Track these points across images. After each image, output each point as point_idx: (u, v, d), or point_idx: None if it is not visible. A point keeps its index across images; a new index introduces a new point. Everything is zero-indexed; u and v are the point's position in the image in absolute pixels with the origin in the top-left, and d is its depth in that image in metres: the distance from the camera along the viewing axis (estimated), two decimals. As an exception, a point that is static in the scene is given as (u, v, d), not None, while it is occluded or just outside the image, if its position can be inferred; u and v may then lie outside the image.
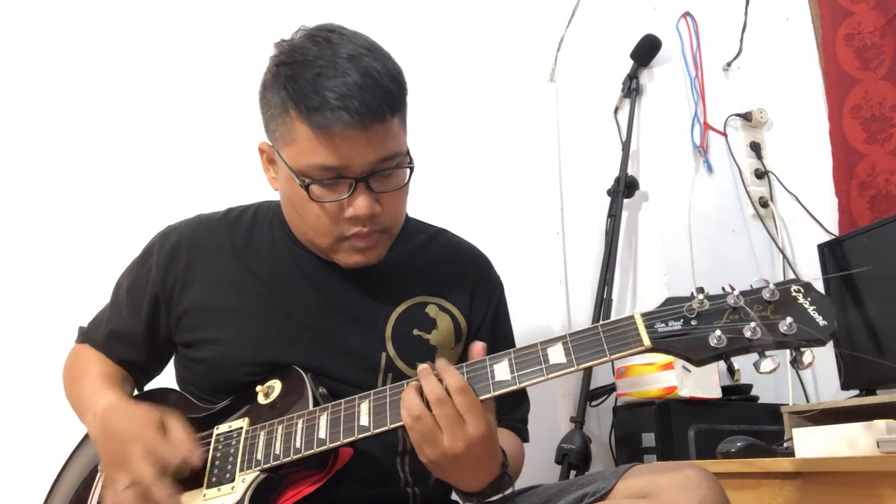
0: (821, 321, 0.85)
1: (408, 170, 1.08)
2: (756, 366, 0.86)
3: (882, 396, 1.41)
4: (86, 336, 1.26)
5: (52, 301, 1.59)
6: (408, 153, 1.09)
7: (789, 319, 0.85)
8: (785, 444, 1.41)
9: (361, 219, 1.05)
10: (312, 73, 1.00)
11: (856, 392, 1.56)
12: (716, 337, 0.86)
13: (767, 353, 0.86)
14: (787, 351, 0.87)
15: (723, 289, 0.90)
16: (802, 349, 0.85)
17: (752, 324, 0.85)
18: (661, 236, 2.01)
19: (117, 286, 1.25)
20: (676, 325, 0.88)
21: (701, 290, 0.89)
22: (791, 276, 2.05)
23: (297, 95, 1.00)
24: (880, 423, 1.16)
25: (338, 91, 0.98)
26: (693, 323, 0.88)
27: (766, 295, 0.88)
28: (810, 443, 1.24)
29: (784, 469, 1.21)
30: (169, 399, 1.18)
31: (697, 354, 0.87)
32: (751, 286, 0.90)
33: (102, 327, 1.24)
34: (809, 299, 0.87)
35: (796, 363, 0.86)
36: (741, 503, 1.26)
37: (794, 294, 0.88)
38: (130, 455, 0.97)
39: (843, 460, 1.17)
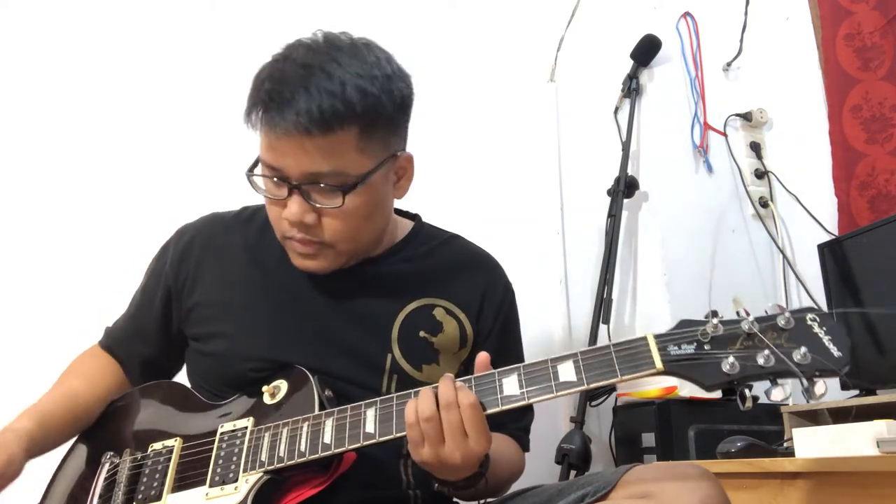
0: (835, 352, 0.84)
1: (347, 192, 1.03)
2: (767, 394, 0.85)
3: (882, 396, 1.41)
4: (109, 340, 1.29)
5: (60, 303, 1.59)
6: (361, 176, 1.04)
7: (804, 349, 0.84)
8: (785, 444, 1.41)
9: (293, 224, 1.06)
10: (279, 73, 1.02)
11: (856, 392, 1.56)
12: (729, 363, 0.85)
13: (779, 381, 0.85)
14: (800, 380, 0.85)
15: (737, 313, 0.88)
16: (815, 379, 0.84)
17: (766, 351, 0.84)
18: (660, 236, 2.01)
19: (139, 285, 1.29)
20: (689, 349, 0.87)
21: (715, 313, 0.88)
22: (791, 276, 2.05)
23: (259, 91, 1.03)
24: (880, 423, 1.16)
25: (290, 96, 0.99)
26: (706, 347, 0.87)
27: (780, 322, 0.86)
28: (810, 443, 1.24)
29: (784, 469, 1.21)
30: (173, 394, 1.18)
31: (709, 380, 0.86)
32: (765, 312, 0.88)
33: (122, 329, 1.27)
34: (825, 328, 0.86)
35: (808, 393, 0.84)
36: (741, 503, 1.26)
37: (809, 323, 0.87)
38: None
39: (843, 460, 1.17)
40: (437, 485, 1.01)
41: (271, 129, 1.01)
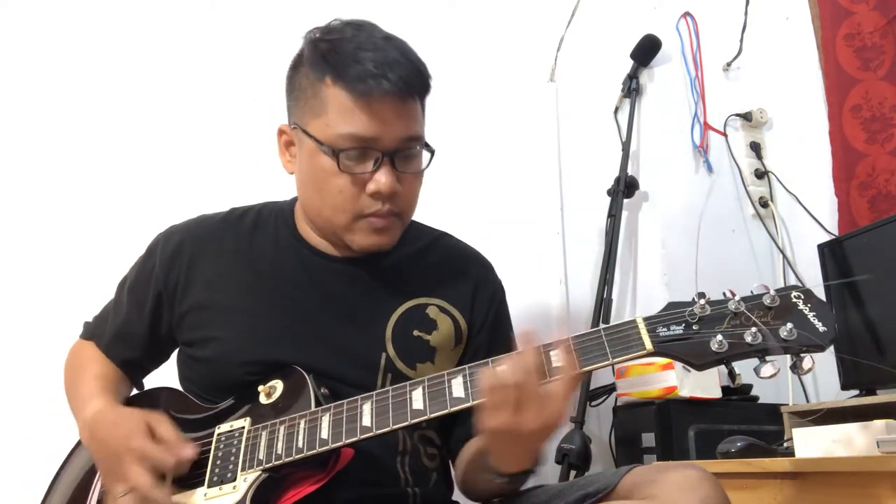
0: (821, 327, 0.87)
1: (428, 155, 1.12)
2: (756, 371, 0.87)
3: (882, 396, 1.41)
4: (92, 334, 1.26)
5: (56, 300, 1.59)
6: (424, 140, 1.12)
7: (790, 325, 0.86)
8: (785, 444, 1.41)
9: (382, 195, 1.07)
10: (353, 47, 1.06)
11: (856, 392, 1.56)
12: (717, 341, 0.87)
13: (768, 358, 0.87)
14: (787, 356, 0.88)
15: (724, 294, 0.90)
16: (802, 355, 0.86)
17: (753, 329, 0.87)
18: (660, 236, 2.01)
19: (121, 285, 1.26)
20: (678, 330, 0.89)
21: (702, 294, 0.90)
22: (791, 275, 2.05)
23: (338, 65, 1.05)
24: (880, 423, 1.16)
25: (377, 62, 1.04)
26: (695, 327, 0.89)
27: (766, 301, 0.89)
28: (810, 443, 1.24)
29: (784, 469, 1.21)
30: (170, 398, 1.18)
31: (699, 359, 0.88)
32: (751, 292, 0.91)
33: (108, 327, 1.24)
34: (809, 305, 0.89)
35: (796, 368, 0.87)
36: (741, 503, 1.26)
37: (794, 300, 0.89)
38: (124, 464, 0.98)
39: (843, 460, 1.17)
40: (495, 477, 0.99)
41: (371, 94, 1.03)
